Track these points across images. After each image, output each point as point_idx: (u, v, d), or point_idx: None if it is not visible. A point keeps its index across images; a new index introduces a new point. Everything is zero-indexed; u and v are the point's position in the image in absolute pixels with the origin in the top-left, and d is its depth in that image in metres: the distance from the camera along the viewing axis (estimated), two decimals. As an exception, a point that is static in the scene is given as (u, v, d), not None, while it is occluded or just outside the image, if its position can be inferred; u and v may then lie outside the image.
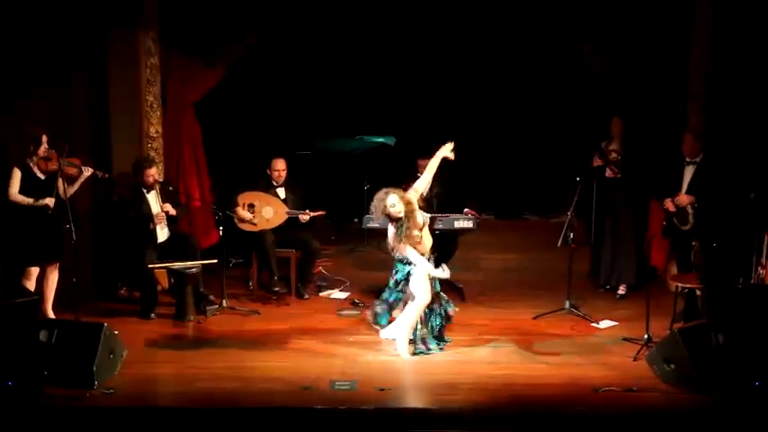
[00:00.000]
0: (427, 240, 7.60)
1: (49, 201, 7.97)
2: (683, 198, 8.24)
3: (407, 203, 7.40)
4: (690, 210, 8.21)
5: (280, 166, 9.32)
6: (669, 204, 8.30)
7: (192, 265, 8.64)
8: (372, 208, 7.53)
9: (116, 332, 7.37)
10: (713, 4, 8.86)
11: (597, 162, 8.96)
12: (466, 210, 9.07)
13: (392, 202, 7.40)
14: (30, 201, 7.97)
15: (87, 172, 8.25)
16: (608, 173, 8.99)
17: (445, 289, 9.21)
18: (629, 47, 9.14)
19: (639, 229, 9.04)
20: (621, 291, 9.15)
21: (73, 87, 9.01)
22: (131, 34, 9.07)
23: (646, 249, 8.52)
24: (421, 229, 7.48)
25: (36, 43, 8.75)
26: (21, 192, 7.98)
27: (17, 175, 7.98)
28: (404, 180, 9.35)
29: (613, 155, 8.93)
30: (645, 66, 9.16)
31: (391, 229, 7.51)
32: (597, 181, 9.00)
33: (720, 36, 8.87)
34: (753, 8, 8.69)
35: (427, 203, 9.37)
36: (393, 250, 7.54)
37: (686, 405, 6.63)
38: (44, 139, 8.04)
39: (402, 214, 7.38)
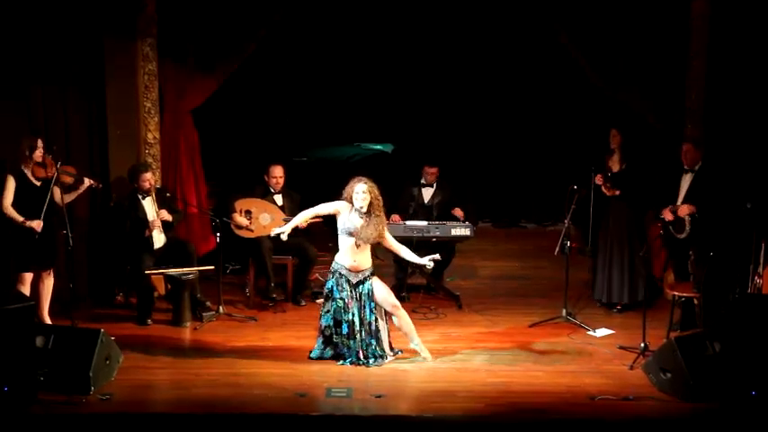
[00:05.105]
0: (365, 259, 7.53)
1: (37, 224, 7.88)
2: (684, 208, 8.23)
3: (375, 197, 7.36)
4: (687, 218, 8.22)
5: (278, 172, 9.31)
6: (667, 214, 8.28)
7: (189, 271, 8.64)
8: (344, 191, 7.46)
9: (112, 338, 7.40)
10: (708, 17, 8.88)
11: (599, 180, 8.67)
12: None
13: (358, 190, 7.34)
14: (19, 220, 7.89)
15: (86, 183, 8.24)
16: (604, 191, 8.81)
17: (442, 297, 9.29)
18: (626, 58, 9.14)
19: (636, 248, 8.85)
20: (619, 306, 9.06)
21: (70, 94, 8.98)
22: (128, 41, 9.04)
23: (644, 266, 8.41)
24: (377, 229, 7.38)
25: (32, 49, 8.74)
26: (15, 201, 7.93)
27: (11, 185, 7.93)
28: (403, 185, 9.44)
29: (607, 174, 8.78)
30: (641, 78, 9.16)
31: (352, 220, 7.37)
32: (594, 194, 8.87)
33: (716, 48, 8.89)
34: (748, 20, 8.72)
35: (427, 212, 9.42)
36: (364, 239, 7.38)
37: (682, 414, 6.63)
38: (39, 143, 8.01)
39: (362, 205, 7.31)
